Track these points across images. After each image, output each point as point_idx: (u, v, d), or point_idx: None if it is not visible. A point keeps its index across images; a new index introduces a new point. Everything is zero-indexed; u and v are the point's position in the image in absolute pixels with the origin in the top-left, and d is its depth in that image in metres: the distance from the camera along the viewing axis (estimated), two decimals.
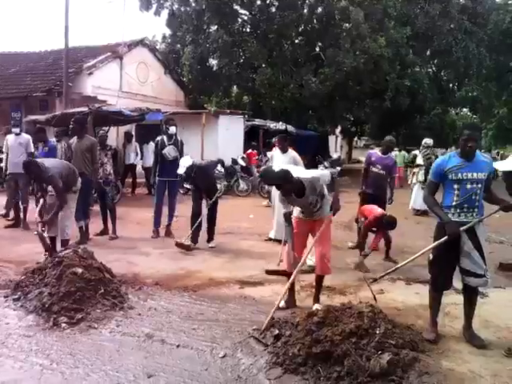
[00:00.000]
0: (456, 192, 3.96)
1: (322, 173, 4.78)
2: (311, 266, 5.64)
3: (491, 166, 4.11)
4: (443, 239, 3.95)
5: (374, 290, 5.32)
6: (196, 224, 7.35)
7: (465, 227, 3.91)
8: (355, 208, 7.68)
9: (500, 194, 4.29)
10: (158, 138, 8.30)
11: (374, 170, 7.37)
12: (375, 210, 6.71)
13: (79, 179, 6.53)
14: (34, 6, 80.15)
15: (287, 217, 4.72)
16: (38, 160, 6.28)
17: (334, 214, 4.92)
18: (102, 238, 7.81)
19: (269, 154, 12.84)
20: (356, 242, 7.50)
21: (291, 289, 4.75)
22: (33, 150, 8.80)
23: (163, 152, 8.03)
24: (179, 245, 7.11)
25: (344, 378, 3.27)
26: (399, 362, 3.37)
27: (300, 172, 4.70)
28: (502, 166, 4.10)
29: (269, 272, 5.87)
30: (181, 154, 8.23)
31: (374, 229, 6.84)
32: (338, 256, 6.91)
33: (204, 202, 7.62)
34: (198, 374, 3.43)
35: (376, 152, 7.60)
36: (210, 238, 7.56)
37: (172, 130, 8.18)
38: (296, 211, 4.86)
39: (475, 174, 3.93)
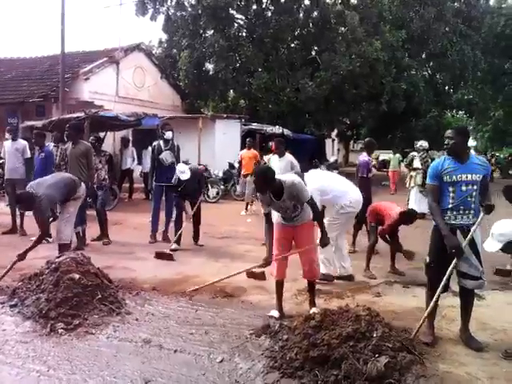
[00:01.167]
0: (451, 194, 3.98)
1: (304, 188, 4.57)
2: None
3: (487, 167, 4.12)
4: (454, 262, 3.92)
5: (372, 293, 5.35)
6: (180, 230, 7.63)
7: (465, 243, 3.91)
8: None
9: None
10: (155, 143, 8.31)
11: (370, 175, 7.45)
12: (391, 209, 6.39)
13: (82, 187, 6.42)
14: (30, 12, 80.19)
15: (266, 216, 4.68)
16: (38, 181, 6.14)
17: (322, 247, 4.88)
18: (99, 244, 7.80)
19: (266, 157, 12.88)
20: (352, 246, 7.50)
21: (280, 297, 4.76)
22: (29, 156, 8.78)
23: (160, 157, 8.04)
24: (160, 255, 7.03)
25: (341, 381, 3.27)
26: (396, 365, 3.37)
27: (286, 176, 4.68)
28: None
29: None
30: (177, 159, 8.25)
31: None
32: None
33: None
34: (196, 379, 3.43)
35: (369, 158, 7.61)
36: (198, 238, 7.86)
37: (168, 135, 8.19)
38: (276, 216, 4.78)
39: (469, 176, 3.96)
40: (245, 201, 12.06)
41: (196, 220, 7.84)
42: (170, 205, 8.33)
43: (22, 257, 5.62)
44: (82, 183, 6.53)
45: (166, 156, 8.07)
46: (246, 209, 11.87)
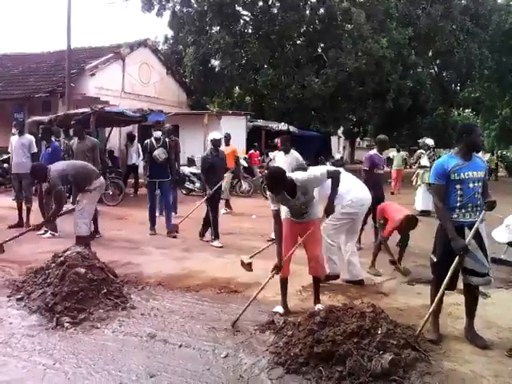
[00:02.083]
0: (459, 192, 3.97)
1: (317, 174, 4.60)
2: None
3: (485, 165, 4.19)
4: (456, 261, 3.91)
5: (377, 292, 5.34)
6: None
7: (468, 240, 3.89)
8: None
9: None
10: (147, 141, 8.53)
11: (379, 171, 7.40)
12: (397, 212, 6.37)
13: (98, 180, 6.39)
14: (36, 7, 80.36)
15: (275, 215, 4.64)
16: (57, 162, 6.28)
17: (327, 216, 4.84)
18: (105, 238, 7.82)
19: (271, 154, 12.83)
20: (357, 243, 7.50)
21: (284, 293, 4.75)
22: (36, 151, 8.81)
23: (154, 154, 8.25)
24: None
25: (346, 378, 3.28)
26: (401, 362, 3.38)
27: (296, 173, 4.68)
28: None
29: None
30: (169, 155, 8.42)
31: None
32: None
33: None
34: (201, 373, 3.44)
35: (376, 153, 7.58)
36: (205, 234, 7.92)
37: (156, 134, 8.43)
38: (285, 212, 4.80)
39: (475, 173, 3.97)
40: (228, 199, 11.35)
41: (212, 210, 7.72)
42: (167, 200, 8.56)
43: (37, 227, 5.77)
44: (101, 177, 6.54)
45: (159, 153, 8.25)
46: (228, 207, 11.29)
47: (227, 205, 11.29)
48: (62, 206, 6.13)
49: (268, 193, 4.71)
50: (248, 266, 5.30)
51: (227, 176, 11.09)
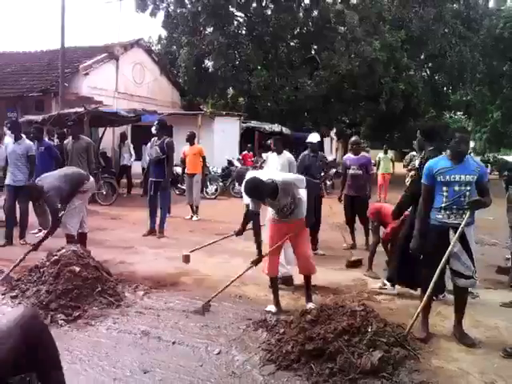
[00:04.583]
0: (445, 194, 4.05)
1: (297, 177, 4.80)
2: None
3: (482, 168, 4.15)
4: (443, 260, 3.98)
5: (368, 292, 5.40)
6: None
7: (453, 241, 3.95)
8: None
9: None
10: (152, 139, 8.52)
11: (351, 172, 7.76)
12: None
13: (90, 181, 6.41)
14: (30, 6, 79.99)
15: (251, 215, 4.72)
16: (46, 174, 6.23)
17: (307, 226, 4.86)
18: (99, 237, 7.84)
19: (264, 155, 12.87)
20: (349, 244, 7.60)
21: (276, 292, 4.80)
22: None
23: (148, 153, 8.26)
24: None
25: (336, 374, 3.34)
26: (390, 360, 3.44)
27: (274, 174, 4.72)
28: None
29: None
30: (163, 154, 8.20)
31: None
32: (332, 256, 7.00)
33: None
34: (194, 369, 3.49)
35: (349, 155, 8.03)
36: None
37: (153, 129, 8.43)
38: (270, 213, 4.84)
39: (463, 177, 4.01)
40: (192, 203, 10.26)
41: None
42: (161, 201, 8.33)
43: (35, 248, 5.76)
44: (91, 177, 6.56)
45: (152, 152, 8.30)
46: (195, 212, 10.26)
47: (195, 210, 10.42)
48: (58, 223, 6.16)
49: (244, 196, 4.78)
50: (185, 258, 5.46)
51: (196, 181, 10.34)
